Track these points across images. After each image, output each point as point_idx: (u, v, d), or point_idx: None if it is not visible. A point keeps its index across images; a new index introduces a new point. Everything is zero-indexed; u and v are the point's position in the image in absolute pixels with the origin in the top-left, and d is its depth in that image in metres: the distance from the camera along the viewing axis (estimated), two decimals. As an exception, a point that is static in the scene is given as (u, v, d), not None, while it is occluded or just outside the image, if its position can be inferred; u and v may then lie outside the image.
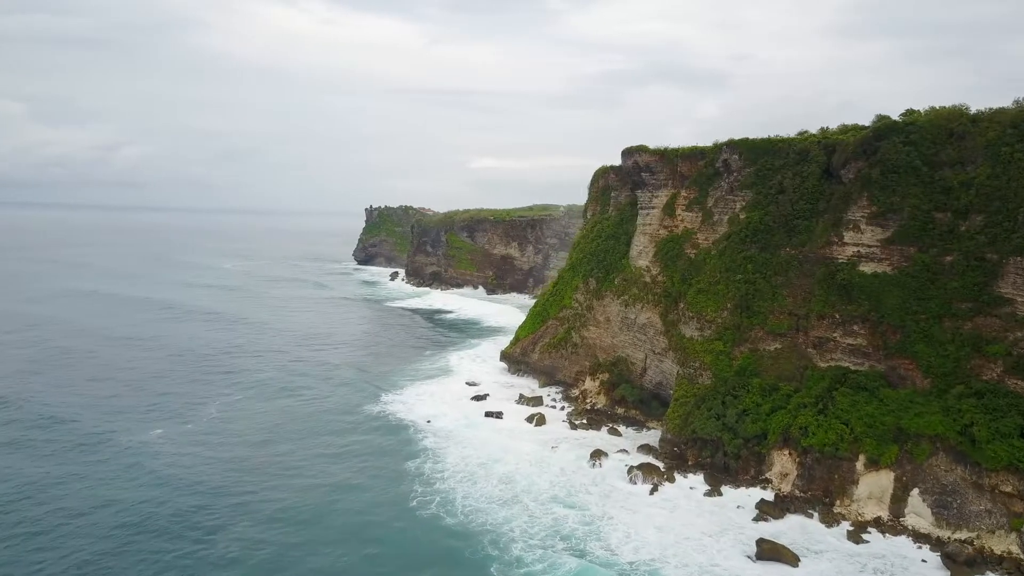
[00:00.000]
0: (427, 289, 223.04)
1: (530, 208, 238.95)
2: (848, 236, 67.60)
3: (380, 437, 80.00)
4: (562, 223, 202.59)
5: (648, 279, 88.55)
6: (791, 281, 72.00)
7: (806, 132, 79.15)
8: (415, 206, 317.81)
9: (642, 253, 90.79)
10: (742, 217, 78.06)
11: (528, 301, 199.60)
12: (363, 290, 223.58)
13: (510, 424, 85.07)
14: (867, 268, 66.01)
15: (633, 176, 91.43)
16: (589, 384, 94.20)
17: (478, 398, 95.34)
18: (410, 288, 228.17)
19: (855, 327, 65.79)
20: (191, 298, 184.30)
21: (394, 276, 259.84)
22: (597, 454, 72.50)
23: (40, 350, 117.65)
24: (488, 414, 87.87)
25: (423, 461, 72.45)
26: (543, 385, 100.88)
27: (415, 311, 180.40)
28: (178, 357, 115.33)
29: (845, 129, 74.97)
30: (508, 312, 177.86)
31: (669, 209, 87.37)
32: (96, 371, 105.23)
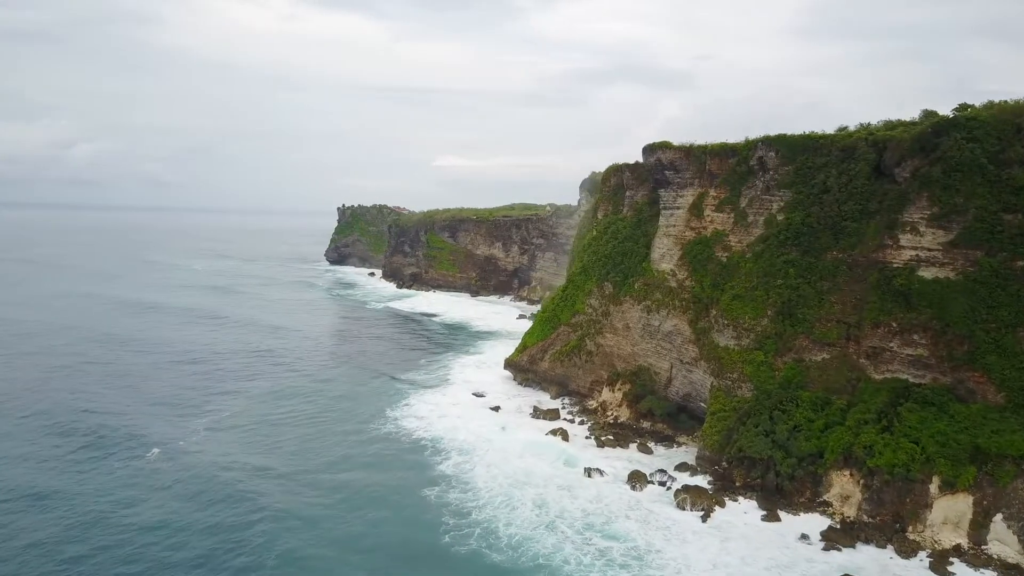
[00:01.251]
0: (407, 291, 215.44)
1: (511, 207, 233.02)
2: (905, 239, 63.21)
3: (394, 460, 72.95)
4: (549, 223, 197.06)
5: (674, 284, 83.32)
6: (839, 287, 67.41)
7: (844, 128, 74.80)
8: (389, 205, 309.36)
9: (666, 256, 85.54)
10: (780, 218, 73.31)
11: (514, 303, 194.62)
12: (341, 292, 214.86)
13: (531, 439, 79.03)
14: (927, 273, 61.66)
15: (655, 174, 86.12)
16: (608, 395, 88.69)
17: (490, 410, 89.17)
18: (390, 290, 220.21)
19: (915, 336, 61.38)
20: (170, 299, 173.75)
21: (370, 277, 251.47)
22: (636, 476, 66.92)
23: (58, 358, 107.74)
24: (507, 429, 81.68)
25: (447, 487, 65.94)
26: (555, 396, 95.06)
27: (400, 314, 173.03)
28: (159, 367, 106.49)
29: (891, 125, 70.69)
30: (496, 315, 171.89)
31: (696, 209, 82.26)
32: (86, 385, 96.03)
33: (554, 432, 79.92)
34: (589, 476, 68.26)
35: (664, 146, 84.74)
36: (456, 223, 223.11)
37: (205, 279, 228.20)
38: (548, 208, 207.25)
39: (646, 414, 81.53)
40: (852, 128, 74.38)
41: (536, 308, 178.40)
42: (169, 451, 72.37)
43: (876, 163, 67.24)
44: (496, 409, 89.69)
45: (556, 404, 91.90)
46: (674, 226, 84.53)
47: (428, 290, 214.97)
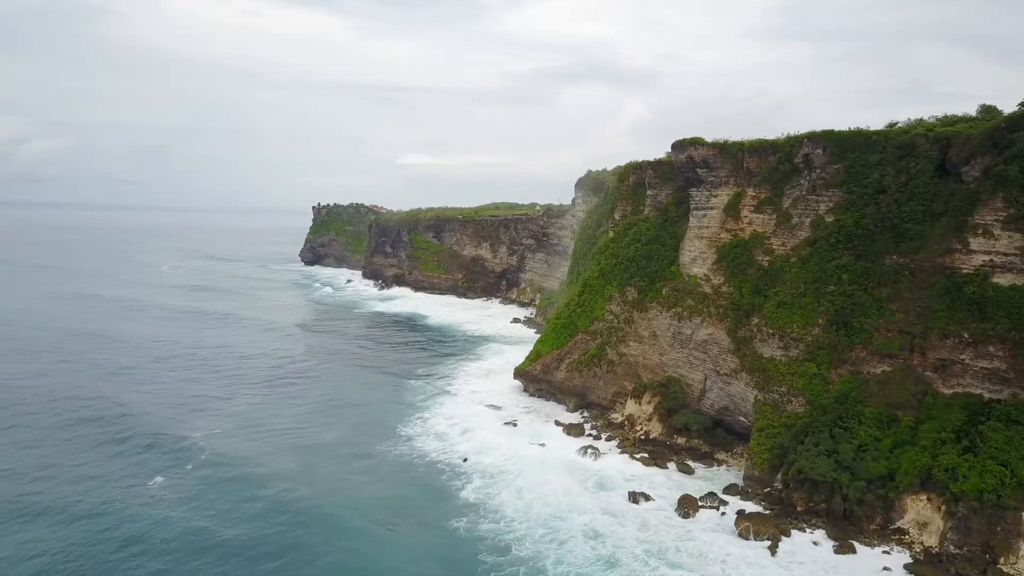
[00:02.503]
0: (391, 292, 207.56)
1: (495, 207, 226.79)
2: (976, 243, 58.70)
3: (411, 487, 66.07)
4: (540, 223, 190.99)
5: (708, 289, 78.04)
6: (900, 293, 62.70)
7: (895, 123, 70.27)
8: (366, 204, 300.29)
9: (698, 259, 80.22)
10: (830, 220, 68.45)
11: (504, 305, 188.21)
12: (322, 295, 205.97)
13: (559, 458, 73.00)
14: (1003, 280, 57.20)
15: (686, 172, 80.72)
16: (633, 408, 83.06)
17: (507, 425, 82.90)
18: (372, 292, 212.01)
19: (991, 348, 56.85)
20: (142, 302, 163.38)
21: (349, 278, 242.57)
22: (687, 502, 61.30)
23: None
24: (532, 446, 75.47)
25: (476, 517, 59.68)
26: (573, 408, 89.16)
27: (388, 317, 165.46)
28: (139, 385, 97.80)
29: (952, 120, 66.36)
30: (488, 318, 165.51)
31: (732, 210, 77.08)
32: (63, 409, 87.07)
33: (583, 450, 74.01)
34: (635, 502, 62.45)
35: (696, 142, 79.39)
36: (441, 223, 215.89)
37: (175, 282, 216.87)
38: (538, 208, 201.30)
39: (680, 429, 75.99)
40: (901, 123, 69.97)
41: (528, 311, 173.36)
42: (165, 487, 64.61)
43: (939, 161, 62.70)
44: (513, 424, 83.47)
45: (576, 417, 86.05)
46: (707, 227, 79.23)
47: (412, 292, 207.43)
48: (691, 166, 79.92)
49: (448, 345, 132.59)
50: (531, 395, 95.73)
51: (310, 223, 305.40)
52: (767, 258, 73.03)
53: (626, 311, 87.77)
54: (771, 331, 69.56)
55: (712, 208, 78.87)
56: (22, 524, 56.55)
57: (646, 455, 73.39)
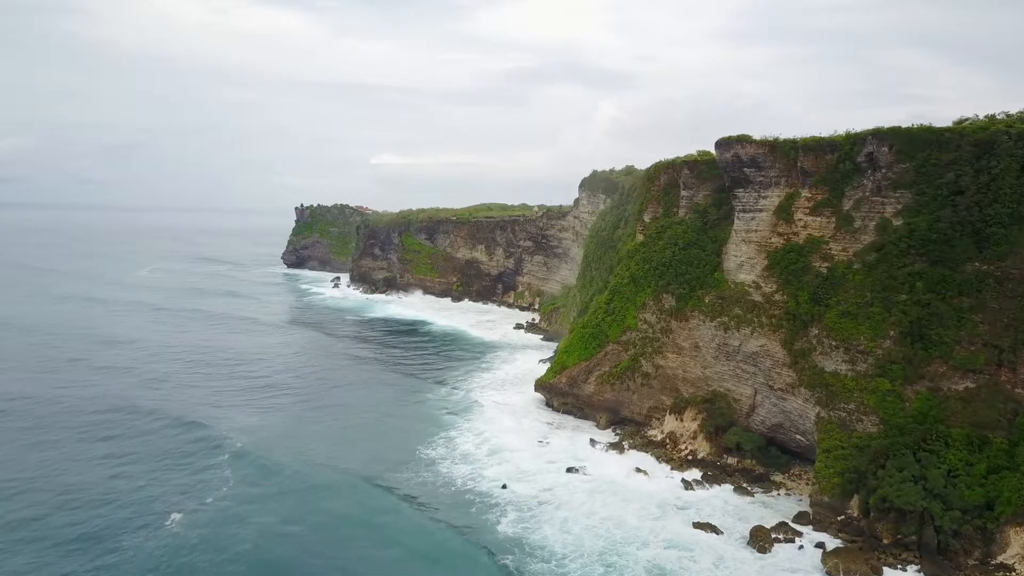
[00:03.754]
0: (383, 296, 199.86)
1: (488, 207, 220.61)
2: (1073, 249, 53.94)
3: (441, 519, 59.80)
4: (538, 224, 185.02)
5: (758, 297, 72.66)
6: (985, 303, 57.74)
7: (964, 120, 65.44)
8: (352, 204, 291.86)
9: (745, 265, 74.83)
10: (898, 223, 63.37)
11: (503, 309, 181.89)
12: (312, 299, 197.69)
13: (602, 482, 67.11)
14: (1105, 289, 52.47)
15: (732, 172, 75.27)
16: (674, 424, 77.45)
17: (537, 444, 76.76)
18: (363, 295, 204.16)
19: (1093, 364, 52.12)
20: (109, 321, 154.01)
21: (336, 281, 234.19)
22: (759, 534, 55.74)
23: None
24: (570, 470, 69.46)
25: (521, 555, 54.15)
26: (605, 425, 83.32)
27: (388, 324, 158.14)
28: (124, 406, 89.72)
29: (1030, 116, 61.58)
30: (489, 323, 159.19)
31: (784, 212, 71.80)
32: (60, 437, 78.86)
33: (628, 473, 68.14)
34: (702, 531, 56.67)
35: (744, 140, 74.00)
36: (434, 224, 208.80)
37: (154, 287, 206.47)
38: (536, 209, 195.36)
39: (732, 449, 70.49)
40: (970, 120, 65.15)
41: (529, 316, 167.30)
42: (183, 522, 57.37)
43: (1025, 160, 57.89)
44: (545, 443, 77.37)
45: (612, 435, 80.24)
46: (756, 231, 73.86)
47: (405, 296, 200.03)
48: (738, 165, 74.51)
49: (455, 354, 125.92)
50: (556, 409, 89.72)
51: (291, 224, 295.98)
52: (826, 264, 67.79)
53: (663, 320, 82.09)
54: (834, 343, 64.33)
55: (761, 210, 73.53)
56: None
57: (698, 477, 67.77)
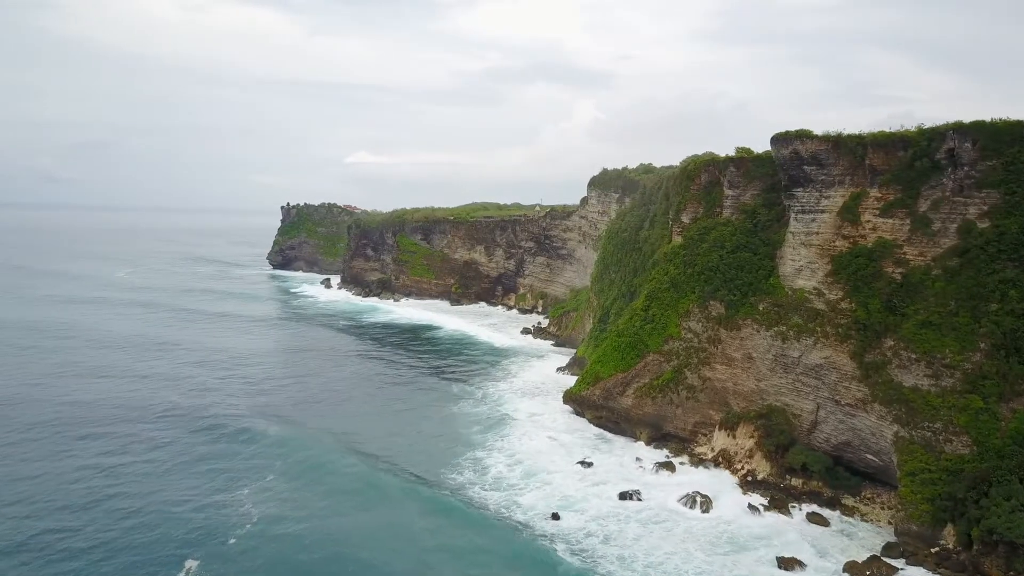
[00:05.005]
0: (378, 300, 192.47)
1: (484, 207, 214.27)
2: None
3: (490, 564, 53.11)
4: (541, 224, 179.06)
5: (821, 305, 67.37)
6: (1089, 314, 52.96)
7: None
8: (340, 204, 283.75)
9: (804, 270, 69.54)
10: (984, 226, 58.42)
11: (505, 312, 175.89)
12: (304, 302, 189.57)
13: (660, 509, 61.39)
14: None
15: (790, 170, 69.93)
16: (725, 441, 72.02)
17: (580, 465, 70.79)
18: (356, 299, 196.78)
19: None
20: (99, 322, 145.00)
21: (327, 283, 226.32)
22: (854, 569, 50.33)
23: None
24: (624, 496, 63.56)
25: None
26: (647, 440, 77.70)
27: (390, 329, 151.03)
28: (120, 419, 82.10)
29: None
30: (495, 327, 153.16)
31: (849, 213, 66.57)
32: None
33: (688, 499, 62.41)
34: (787, 569, 51.19)
35: (804, 135, 68.68)
36: (430, 224, 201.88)
37: (133, 292, 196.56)
38: (538, 208, 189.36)
39: (797, 470, 65.11)
40: None
41: (532, 319, 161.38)
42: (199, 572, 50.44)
43: None
44: (587, 464, 71.32)
45: (659, 453, 74.55)
46: (817, 233, 68.59)
47: (401, 298, 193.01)
48: (796, 163, 69.20)
49: (467, 362, 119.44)
50: (591, 423, 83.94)
51: (267, 223, 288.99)
52: (899, 270, 62.65)
53: (710, 329, 76.57)
54: (914, 356, 59.19)
55: (823, 211, 68.26)
56: None
57: (764, 502, 62.28)
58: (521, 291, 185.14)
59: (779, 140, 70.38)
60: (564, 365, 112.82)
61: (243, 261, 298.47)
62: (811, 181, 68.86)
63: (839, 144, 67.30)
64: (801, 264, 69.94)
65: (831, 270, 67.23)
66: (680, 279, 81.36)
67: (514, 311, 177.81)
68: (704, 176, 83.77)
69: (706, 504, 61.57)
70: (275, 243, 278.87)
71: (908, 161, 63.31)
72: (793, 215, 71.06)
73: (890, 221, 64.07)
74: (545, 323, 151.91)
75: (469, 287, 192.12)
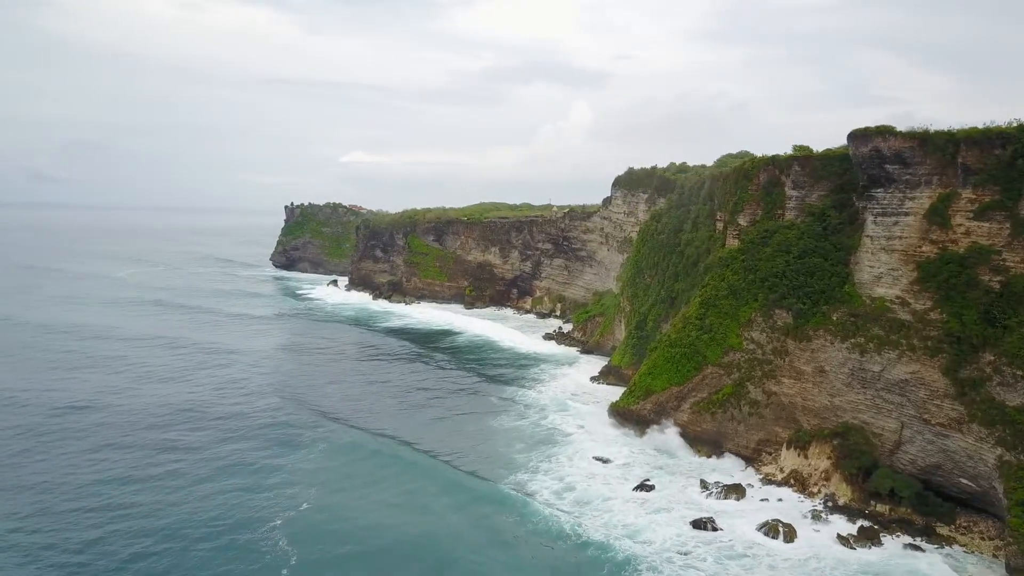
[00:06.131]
0: (390, 303, 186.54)
1: (495, 207, 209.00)
2: None
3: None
4: (560, 225, 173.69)
5: (906, 315, 62.13)
6: None
7: None
8: (345, 203, 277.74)
9: (885, 277, 64.30)
10: (1098, 230, 53.25)
11: (522, 315, 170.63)
12: (313, 305, 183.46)
13: (740, 542, 55.97)
14: None
15: (869, 169, 64.71)
16: (795, 461, 66.78)
17: (639, 491, 65.22)
18: (367, 301, 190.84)
19: None
20: (102, 321, 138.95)
21: (334, 285, 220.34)
22: (979, 616, 45.02)
23: None
24: (698, 525, 58.16)
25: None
26: (707, 455, 72.44)
27: (408, 334, 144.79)
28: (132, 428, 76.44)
29: None
30: (515, 331, 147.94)
31: (938, 216, 61.30)
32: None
33: (768, 528, 57.08)
34: (900, 616, 45.83)
35: (886, 131, 63.42)
36: (443, 225, 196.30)
37: (138, 292, 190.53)
38: (556, 209, 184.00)
39: (884, 496, 59.83)
40: None
41: (551, 323, 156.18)
42: None
43: None
44: (647, 488, 65.77)
45: (720, 473, 69.10)
46: (900, 237, 63.34)
47: (413, 301, 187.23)
48: (877, 161, 63.97)
49: (494, 368, 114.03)
50: (639, 437, 78.56)
51: (264, 223, 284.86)
52: (998, 278, 57.46)
53: (775, 340, 71.30)
54: (1020, 372, 54.01)
55: (907, 213, 63.00)
56: None
57: (853, 532, 56.99)
58: (538, 294, 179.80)
59: (857, 136, 65.15)
60: (598, 374, 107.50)
61: (248, 261, 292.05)
62: (893, 181, 63.62)
63: (926, 141, 62.02)
64: (881, 271, 64.69)
65: (917, 277, 61.99)
66: (740, 286, 76.05)
67: (531, 315, 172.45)
68: (763, 176, 78.52)
69: (790, 534, 56.24)
70: (279, 243, 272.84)
71: (1008, 159, 58.04)
72: (871, 217, 65.80)
73: (986, 225, 58.82)
74: (567, 328, 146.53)
75: (483, 290, 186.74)
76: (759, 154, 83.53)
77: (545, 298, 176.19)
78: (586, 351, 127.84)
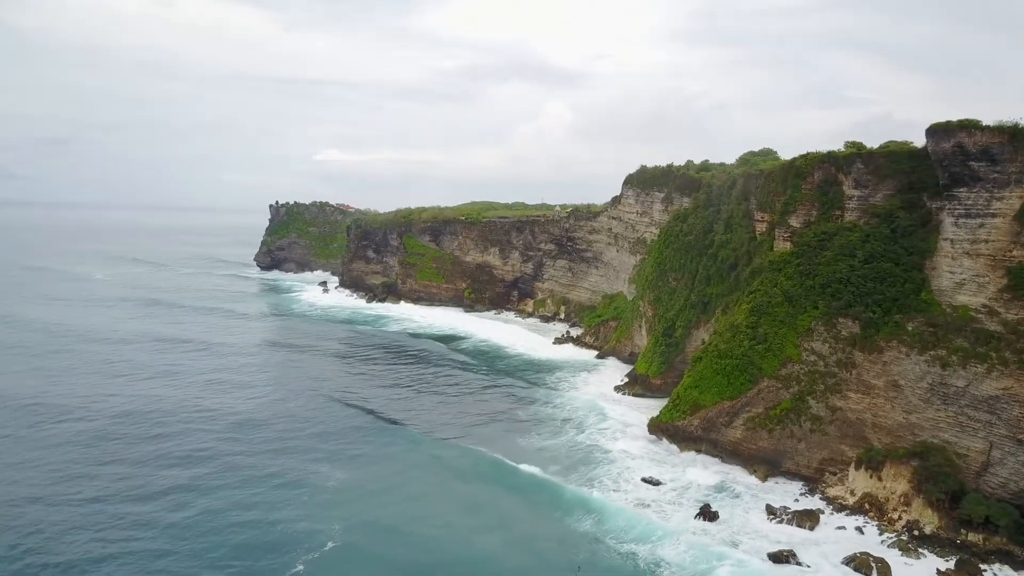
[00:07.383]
0: (386, 305, 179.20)
1: (492, 206, 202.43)
2: None
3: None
4: (563, 226, 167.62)
5: (994, 326, 57.16)
6: None
7: None
8: (332, 203, 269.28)
9: (968, 284, 59.27)
10: None
11: (524, 319, 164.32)
12: (303, 309, 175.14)
13: (823, 574, 50.52)
14: None
15: (951, 167, 59.63)
16: (866, 483, 61.52)
17: (701, 520, 59.46)
18: (363, 304, 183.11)
19: None
20: (84, 322, 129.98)
21: (324, 287, 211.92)
22: None
23: None
24: (778, 559, 52.56)
25: None
26: (763, 478, 66.97)
27: (412, 339, 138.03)
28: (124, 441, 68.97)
29: None
30: (523, 335, 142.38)
31: (1030, 218, 56.36)
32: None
33: (862, 565, 51.63)
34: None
35: (970, 126, 58.40)
36: (440, 225, 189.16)
37: (118, 292, 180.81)
38: (559, 208, 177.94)
39: (977, 524, 54.71)
40: None
41: (559, 326, 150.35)
42: None
43: None
44: (710, 517, 59.94)
45: (784, 496, 63.56)
46: (986, 241, 58.35)
47: (410, 304, 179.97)
48: (960, 158, 58.89)
49: (509, 377, 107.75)
50: (683, 452, 73.03)
51: (237, 221, 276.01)
52: (1102, 286, 52.68)
53: (840, 351, 65.98)
54: None
55: (994, 215, 58.00)
56: None
57: (950, 566, 51.77)
58: (540, 296, 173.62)
59: (938, 132, 60.06)
60: (622, 383, 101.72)
61: (230, 261, 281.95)
62: (979, 180, 58.57)
63: (1016, 136, 57.06)
64: (964, 277, 59.65)
65: (1007, 285, 57.03)
66: (796, 292, 70.64)
67: (533, 318, 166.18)
68: (818, 174, 73.26)
69: (884, 570, 50.89)
70: (263, 243, 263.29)
71: (1112, 156, 53.30)
72: (952, 219, 60.72)
73: (1087, 228, 54.01)
74: (576, 332, 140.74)
75: (483, 292, 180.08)
76: (757, 154, 78.11)
77: (548, 300, 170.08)
78: (602, 356, 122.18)
